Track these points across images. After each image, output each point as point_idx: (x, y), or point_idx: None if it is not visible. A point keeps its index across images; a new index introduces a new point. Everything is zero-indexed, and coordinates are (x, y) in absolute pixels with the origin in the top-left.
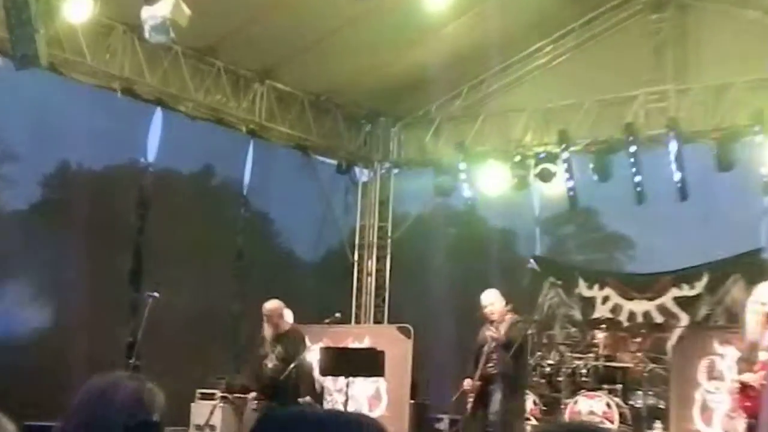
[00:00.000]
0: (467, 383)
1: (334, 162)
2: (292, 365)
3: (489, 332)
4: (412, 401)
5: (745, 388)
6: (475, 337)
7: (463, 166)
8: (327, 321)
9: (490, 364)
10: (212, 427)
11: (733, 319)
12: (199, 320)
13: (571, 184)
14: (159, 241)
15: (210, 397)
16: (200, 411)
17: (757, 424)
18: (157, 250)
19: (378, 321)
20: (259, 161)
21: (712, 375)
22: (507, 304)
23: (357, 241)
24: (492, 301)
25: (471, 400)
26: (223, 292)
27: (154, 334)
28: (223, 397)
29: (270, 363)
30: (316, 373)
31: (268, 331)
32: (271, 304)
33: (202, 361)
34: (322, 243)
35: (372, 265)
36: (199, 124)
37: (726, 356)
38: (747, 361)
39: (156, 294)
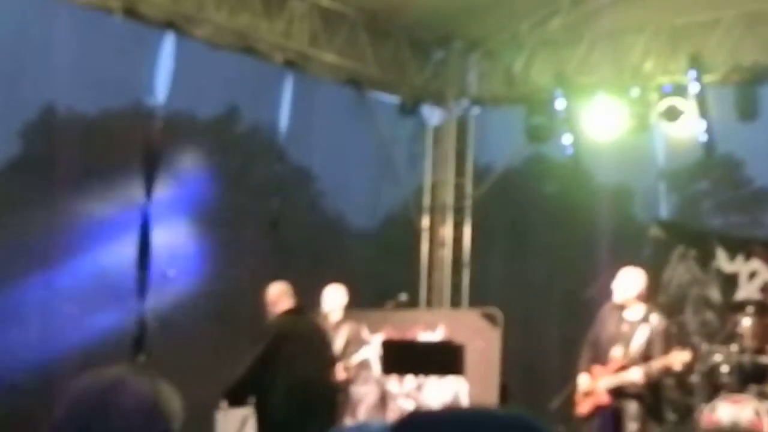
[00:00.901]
0: (585, 381)
1: (396, 100)
2: None
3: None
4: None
5: None
6: (593, 323)
7: (564, 104)
8: (389, 305)
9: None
10: None
11: None
12: (225, 306)
13: (705, 125)
14: (171, 206)
15: (241, 403)
16: (228, 422)
17: None
18: (170, 218)
19: (455, 304)
20: (298, 101)
21: None
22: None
23: (427, 203)
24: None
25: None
26: (256, 270)
27: (168, 324)
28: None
29: None
30: None
31: None
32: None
33: (229, 357)
34: (381, 205)
35: (447, 233)
36: (222, 54)
37: None
38: None
39: (171, 273)
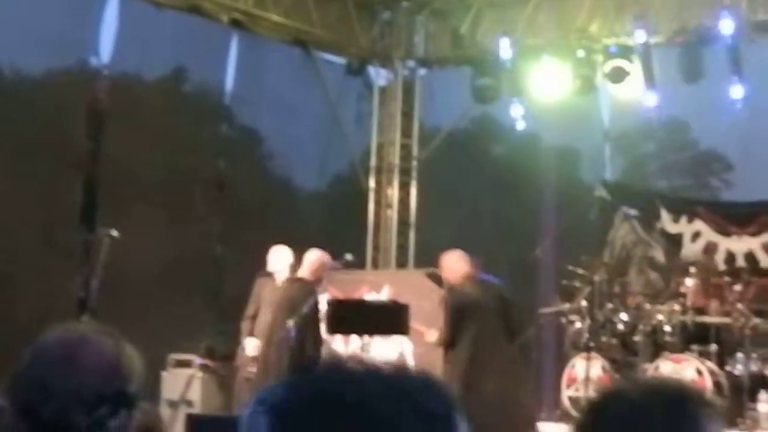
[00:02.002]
0: None
1: (342, 61)
2: None
3: None
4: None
5: None
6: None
7: (510, 65)
8: (335, 265)
9: None
10: (189, 403)
11: None
12: (171, 268)
13: (650, 87)
14: (117, 167)
15: (186, 364)
16: (174, 382)
17: None
18: (115, 179)
19: (401, 265)
20: (245, 61)
21: None
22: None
23: (373, 164)
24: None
25: None
26: (202, 231)
27: (113, 286)
28: (203, 365)
29: None
30: None
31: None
32: None
33: (175, 319)
34: (327, 167)
35: (393, 194)
36: (167, 13)
37: None
38: None
39: (114, 233)
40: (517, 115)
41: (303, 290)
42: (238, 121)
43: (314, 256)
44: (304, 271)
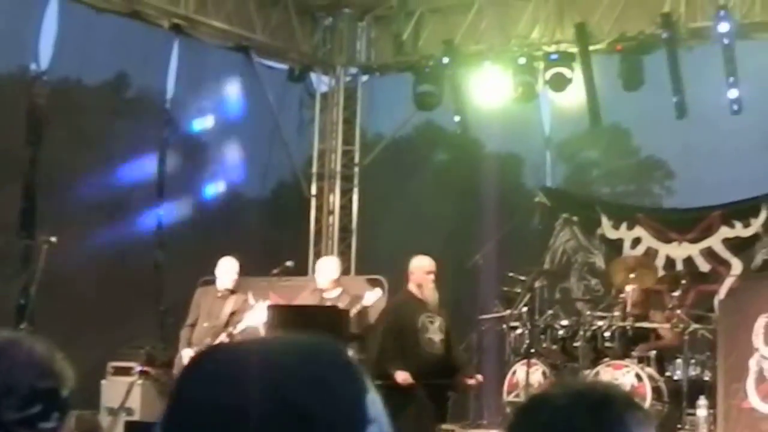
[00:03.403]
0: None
1: (284, 67)
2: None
3: None
4: None
5: None
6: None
7: (452, 72)
8: (275, 272)
9: None
10: (129, 411)
11: None
12: (111, 274)
13: (591, 94)
14: (57, 172)
15: (126, 372)
16: (113, 390)
17: None
18: (55, 185)
19: (343, 272)
20: (186, 67)
21: None
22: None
23: (315, 170)
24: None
25: None
26: (143, 237)
27: (53, 292)
28: (143, 372)
29: (436, 337)
30: None
31: (426, 293)
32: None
33: (115, 326)
34: (270, 173)
35: (335, 200)
36: (109, 19)
37: None
38: None
39: (53, 239)
40: (458, 121)
41: None
42: (179, 127)
43: None
44: None
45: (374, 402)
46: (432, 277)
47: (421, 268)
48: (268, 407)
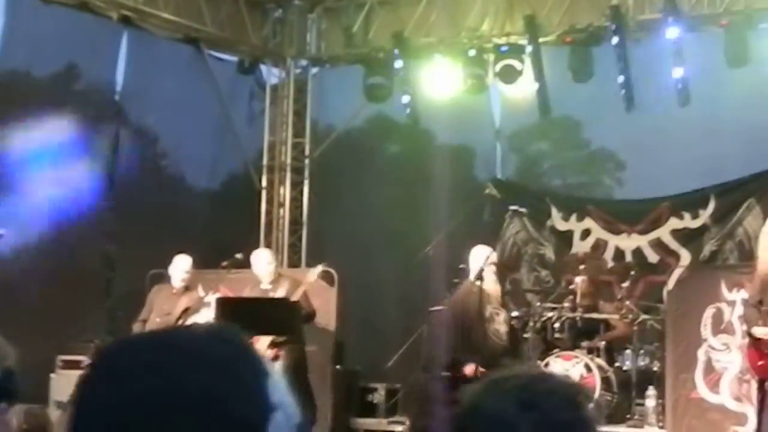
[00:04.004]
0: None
1: (234, 59)
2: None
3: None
4: (338, 367)
5: (757, 343)
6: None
7: (402, 64)
8: (225, 264)
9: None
10: None
11: (747, 256)
12: (59, 267)
13: (540, 86)
14: (6, 165)
15: (75, 365)
16: (63, 384)
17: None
18: (4, 177)
19: (294, 264)
20: (136, 59)
21: (720, 328)
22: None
23: (265, 162)
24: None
25: None
26: (92, 230)
27: (1, 286)
28: None
29: (502, 328)
30: None
31: (487, 284)
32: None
33: (64, 319)
34: (220, 165)
35: (285, 192)
36: (57, 9)
37: (737, 303)
38: (756, 307)
39: (2, 231)
40: (409, 113)
41: None
42: (129, 119)
43: None
44: None
45: (277, 388)
46: (493, 268)
47: (482, 259)
48: (169, 397)
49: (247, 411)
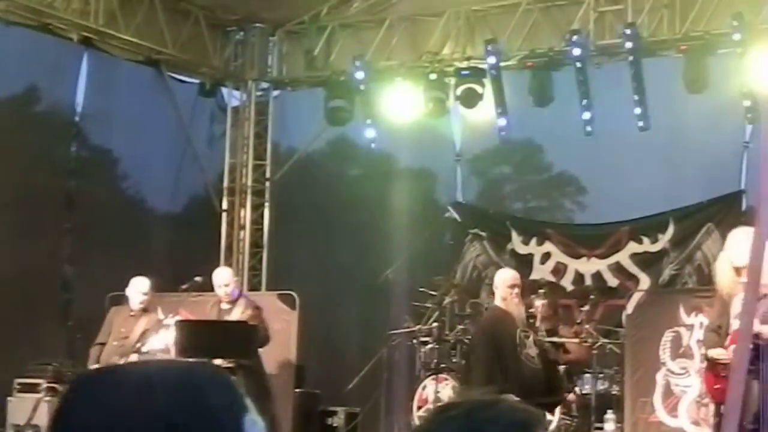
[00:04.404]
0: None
1: (195, 81)
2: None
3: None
4: (298, 390)
5: (714, 367)
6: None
7: (363, 87)
8: (185, 287)
9: None
10: (36, 428)
11: (706, 281)
12: (17, 288)
13: (501, 110)
14: None
15: (33, 389)
16: (19, 407)
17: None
18: None
19: (254, 288)
20: (96, 80)
21: (678, 352)
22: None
23: (226, 185)
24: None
25: None
26: (51, 251)
27: None
28: (50, 389)
29: (532, 352)
30: None
31: (511, 307)
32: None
33: (21, 342)
34: (181, 187)
35: (246, 215)
36: (17, 31)
37: (696, 327)
38: (716, 332)
39: None
40: (371, 136)
41: None
42: (89, 141)
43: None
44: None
45: (254, 423)
46: (517, 290)
47: (504, 282)
48: (146, 430)
49: None
